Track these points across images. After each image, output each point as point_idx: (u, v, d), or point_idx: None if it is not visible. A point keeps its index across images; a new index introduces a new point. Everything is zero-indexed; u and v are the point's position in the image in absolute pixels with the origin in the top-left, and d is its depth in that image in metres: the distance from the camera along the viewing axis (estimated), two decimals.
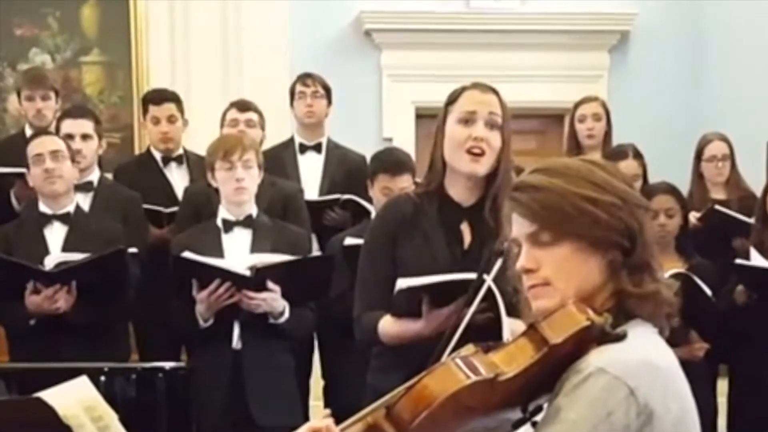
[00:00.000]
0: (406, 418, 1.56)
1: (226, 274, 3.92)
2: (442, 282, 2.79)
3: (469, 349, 1.66)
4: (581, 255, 1.76)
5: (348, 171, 5.33)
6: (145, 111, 5.32)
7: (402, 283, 2.81)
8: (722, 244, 4.97)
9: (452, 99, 2.97)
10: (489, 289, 2.64)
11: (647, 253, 1.79)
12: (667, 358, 1.76)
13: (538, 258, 1.78)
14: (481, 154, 2.88)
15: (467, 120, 2.90)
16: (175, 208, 4.89)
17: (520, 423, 1.69)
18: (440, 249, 2.92)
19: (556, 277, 1.77)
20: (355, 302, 3.06)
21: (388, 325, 2.93)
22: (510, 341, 1.69)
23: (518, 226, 1.81)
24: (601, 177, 1.79)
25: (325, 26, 7.48)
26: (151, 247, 4.67)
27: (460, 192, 2.96)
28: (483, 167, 2.90)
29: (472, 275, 2.71)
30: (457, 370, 1.59)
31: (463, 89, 2.97)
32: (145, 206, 4.81)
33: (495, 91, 2.98)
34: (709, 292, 4.21)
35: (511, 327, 2.61)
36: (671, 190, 4.71)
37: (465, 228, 2.96)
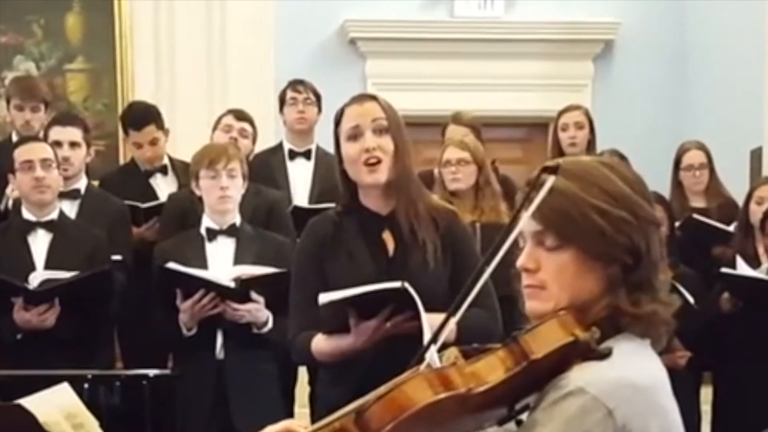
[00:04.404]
0: (374, 426, 1.54)
1: (210, 285, 3.93)
2: (362, 293, 2.78)
3: (451, 352, 1.65)
4: (581, 265, 1.73)
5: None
6: (125, 131, 5.26)
7: (323, 298, 2.81)
8: (701, 252, 4.99)
9: (337, 121, 2.99)
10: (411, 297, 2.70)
11: (650, 272, 1.75)
12: (651, 375, 1.73)
13: (539, 259, 1.76)
14: (378, 162, 2.90)
15: (354, 135, 2.92)
16: (151, 203, 4.89)
17: (505, 420, 1.69)
18: (365, 261, 2.94)
19: (553, 282, 1.74)
20: (289, 325, 3.07)
21: (320, 344, 2.93)
22: (491, 351, 1.65)
23: (525, 223, 1.77)
24: (616, 187, 1.74)
25: (310, 35, 7.49)
26: (132, 248, 4.64)
27: (375, 202, 2.98)
28: (382, 174, 2.91)
29: (391, 284, 2.75)
30: (429, 384, 1.56)
31: (343, 108, 2.99)
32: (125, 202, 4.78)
33: (374, 97, 3.01)
34: (692, 300, 4.22)
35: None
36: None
37: (387, 236, 2.98)
